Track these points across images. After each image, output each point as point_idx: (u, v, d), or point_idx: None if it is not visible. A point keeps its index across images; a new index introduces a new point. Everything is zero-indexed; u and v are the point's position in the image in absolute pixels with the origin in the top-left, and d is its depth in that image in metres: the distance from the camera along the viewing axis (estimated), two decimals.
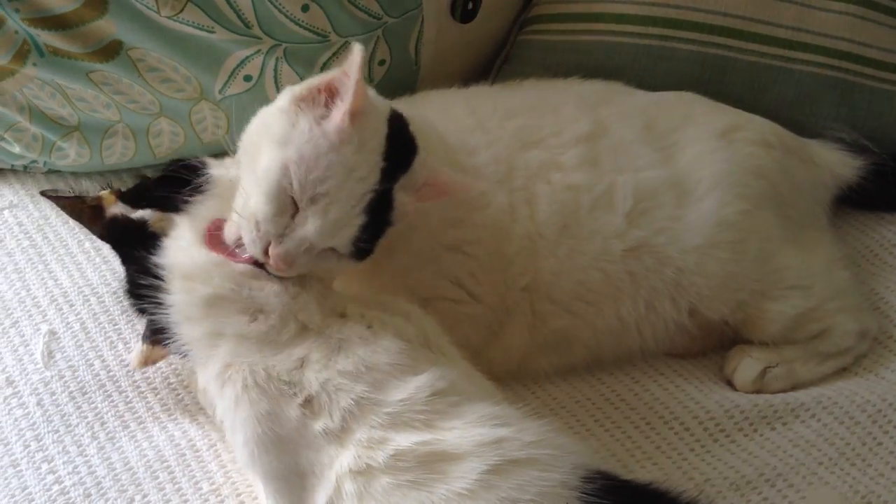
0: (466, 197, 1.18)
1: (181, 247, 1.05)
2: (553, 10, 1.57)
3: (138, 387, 1.25)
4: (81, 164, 1.50)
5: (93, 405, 1.22)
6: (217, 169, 1.14)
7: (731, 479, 1.17)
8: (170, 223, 1.09)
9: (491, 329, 1.24)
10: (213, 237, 1.06)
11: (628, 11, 1.52)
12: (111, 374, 1.26)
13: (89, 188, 1.49)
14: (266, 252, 1.02)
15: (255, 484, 1.06)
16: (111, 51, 1.37)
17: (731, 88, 1.51)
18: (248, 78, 1.41)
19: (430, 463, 0.90)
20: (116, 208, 1.12)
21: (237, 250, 1.05)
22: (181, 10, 1.34)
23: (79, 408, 1.22)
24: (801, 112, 1.52)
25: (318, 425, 0.93)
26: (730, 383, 1.30)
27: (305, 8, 1.38)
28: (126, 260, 1.15)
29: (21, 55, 1.37)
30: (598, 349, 1.30)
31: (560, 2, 1.57)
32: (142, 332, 1.14)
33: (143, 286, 1.04)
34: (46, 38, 1.35)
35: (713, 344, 1.33)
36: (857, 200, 1.46)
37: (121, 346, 1.29)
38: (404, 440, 0.91)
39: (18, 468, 1.15)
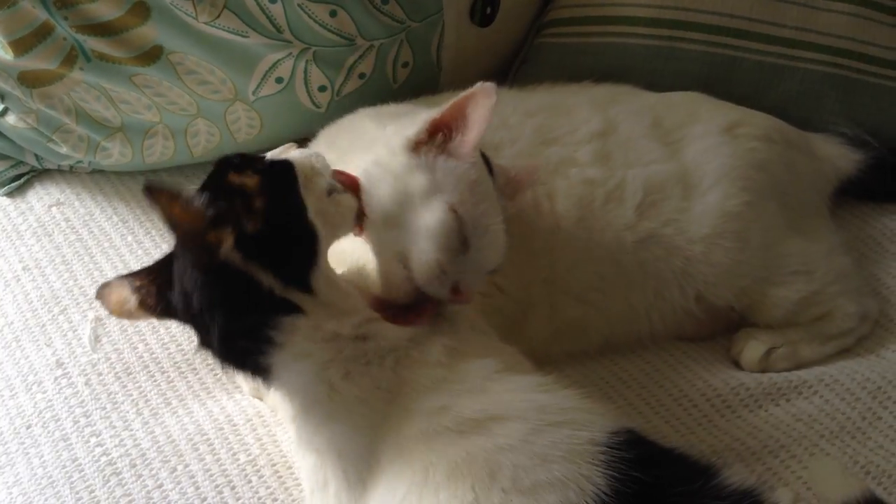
0: (534, 181, 1.24)
1: None
2: (567, 14, 1.62)
3: (179, 367, 1.31)
4: (124, 164, 1.55)
5: (137, 384, 1.28)
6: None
7: (737, 451, 1.22)
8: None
9: (515, 319, 1.28)
10: (382, 306, 1.06)
11: (638, 14, 1.57)
12: (154, 355, 1.32)
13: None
14: (453, 290, 1.06)
15: (304, 462, 1.08)
16: (153, 55, 1.42)
17: (737, 87, 1.55)
18: (279, 80, 1.46)
19: (483, 421, 0.98)
20: (232, 254, 0.99)
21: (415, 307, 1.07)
22: (217, 17, 1.40)
23: (124, 387, 1.28)
24: (806, 108, 1.56)
25: (396, 407, 1.00)
26: (736, 364, 1.35)
27: (333, 13, 1.43)
28: (218, 306, 1.00)
29: (69, 60, 1.42)
30: (610, 335, 1.34)
31: (574, 6, 1.62)
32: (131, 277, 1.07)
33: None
34: (93, 44, 1.41)
35: (721, 328, 1.38)
36: (858, 192, 1.50)
37: (162, 330, 1.35)
38: (467, 408, 0.99)
39: (69, 442, 1.22)
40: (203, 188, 1.01)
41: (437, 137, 1.10)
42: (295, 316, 1.00)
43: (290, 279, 1.00)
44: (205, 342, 1.03)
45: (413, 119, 1.14)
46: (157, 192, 0.96)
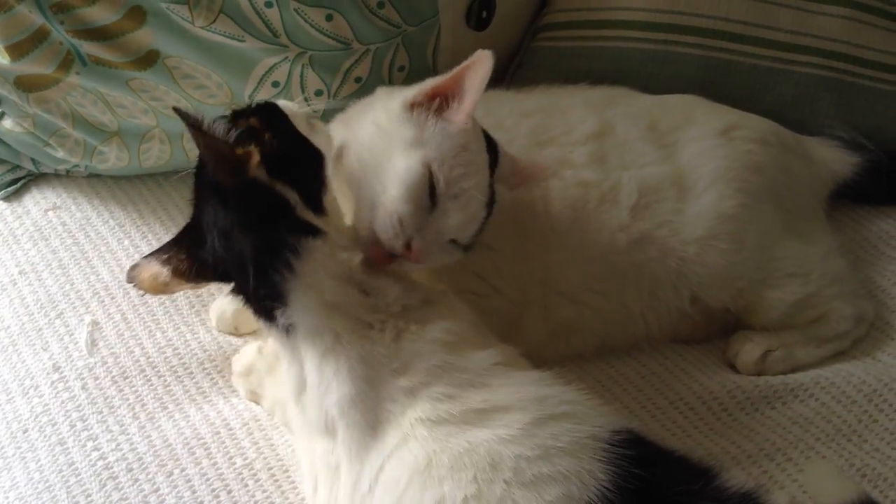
0: (544, 178, 1.26)
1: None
2: (563, 18, 1.62)
3: (175, 371, 1.31)
4: (120, 168, 1.55)
5: (134, 388, 1.29)
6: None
7: (733, 454, 1.22)
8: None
9: (511, 321, 1.29)
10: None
11: (634, 18, 1.57)
12: (150, 360, 1.32)
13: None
14: (407, 246, 1.07)
15: (315, 448, 1.08)
16: (149, 59, 1.42)
17: (733, 90, 1.55)
18: (275, 84, 1.46)
19: (484, 412, 0.99)
20: (259, 171, 1.04)
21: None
22: (214, 21, 1.40)
23: (121, 391, 1.28)
24: (801, 112, 1.56)
25: (403, 382, 1.01)
26: (732, 366, 1.35)
27: (329, 17, 1.43)
28: (249, 226, 1.04)
29: (65, 65, 1.43)
30: (606, 336, 1.35)
31: (570, 10, 1.62)
32: (165, 254, 1.10)
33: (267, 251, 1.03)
34: (89, 48, 1.41)
35: (716, 330, 1.39)
36: (853, 195, 1.51)
37: (158, 334, 1.36)
38: (471, 398, 1.00)
39: (65, 446, 1.22)
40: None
41: (435, 103, 1.13)
42: (313, 238, 1.03)
43: (308, 198, 1.05)
44: (240, 288, 1.06)
45: (417, 86, 1.17)
46: (185, 114, 1.02)
